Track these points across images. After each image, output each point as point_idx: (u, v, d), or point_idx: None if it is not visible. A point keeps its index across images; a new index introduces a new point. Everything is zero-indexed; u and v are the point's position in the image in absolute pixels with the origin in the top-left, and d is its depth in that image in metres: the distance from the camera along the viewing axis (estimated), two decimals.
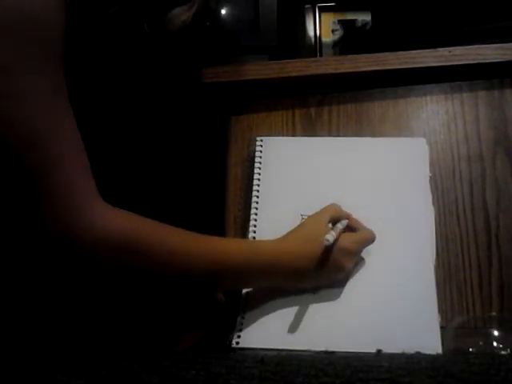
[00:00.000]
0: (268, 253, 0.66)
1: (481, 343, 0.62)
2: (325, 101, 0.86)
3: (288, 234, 0.69)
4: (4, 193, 0.55)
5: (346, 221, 0.70)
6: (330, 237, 0.64)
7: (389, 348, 0.60)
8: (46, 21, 0.52)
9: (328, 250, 0.66)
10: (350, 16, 1.17)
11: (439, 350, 0.64)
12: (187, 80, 0.83)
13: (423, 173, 0.78)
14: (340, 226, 0.69)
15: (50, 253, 0.57)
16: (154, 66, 0.67)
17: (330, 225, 0.70)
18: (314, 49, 1.16)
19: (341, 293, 0.69)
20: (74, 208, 0.55)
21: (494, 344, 0.62)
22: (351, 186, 0.77)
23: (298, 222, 0.73)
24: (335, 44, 1.16)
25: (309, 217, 0.71)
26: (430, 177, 0.77)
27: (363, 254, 0.71)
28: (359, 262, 0.71)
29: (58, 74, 0.55)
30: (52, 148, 0.54)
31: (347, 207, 0.74)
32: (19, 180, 0.54)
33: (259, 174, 0.79)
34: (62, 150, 0.55)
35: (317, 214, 0.71)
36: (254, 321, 0.68)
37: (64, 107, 0.56)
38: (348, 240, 0.69)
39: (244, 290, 0.70)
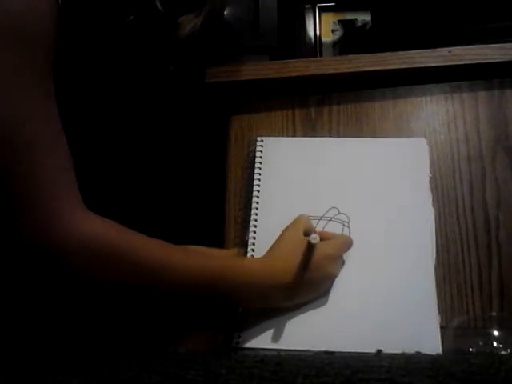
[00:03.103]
0: (255, 273, 0.66)
1: (481, 343, 0.62)
2: (325, 101, 0.85)
3: (271, 251, 0.69)
4: None
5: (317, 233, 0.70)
6: (316, 236, 0.64)
7: (389, 348, 0.60)
8: (32, 21, 0.52)
9: (311, 258, 0.65)
10: (349, 16, 1.17)
11: (439, 350, 0.64)
12: (193, 82, 0.83)
13: (423, 173, 0.78)
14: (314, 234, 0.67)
15: (29, 258, 0.56)
16: (164, 70, 0.68)
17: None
18: (314, 49, 1.16)
19: (341, 293, 0.69)
20: (52, 214, 0.55)
21: (494, 344, 0.62)
22: (351, 186, 0.77)
23: None
24: (335, 44, 1.16)
25: (285, 230, 0.70)
26: (430, 177, 0.77)
27: (363, 254, 0.71)
28: (343, 265, 0.71)
29: (43, 77, 0.55)
30: (33, 152, 0.53)
31: (347, 207, 0.75)
32: None
33: (259, 174, 0.79)
34: (45, 154, 0.54)
35: (292, 227, 0.70)
36: (254, 321, 0.68)
37: (48, 108, 0.56)
38: (329, 246, 0.69)
39: None
